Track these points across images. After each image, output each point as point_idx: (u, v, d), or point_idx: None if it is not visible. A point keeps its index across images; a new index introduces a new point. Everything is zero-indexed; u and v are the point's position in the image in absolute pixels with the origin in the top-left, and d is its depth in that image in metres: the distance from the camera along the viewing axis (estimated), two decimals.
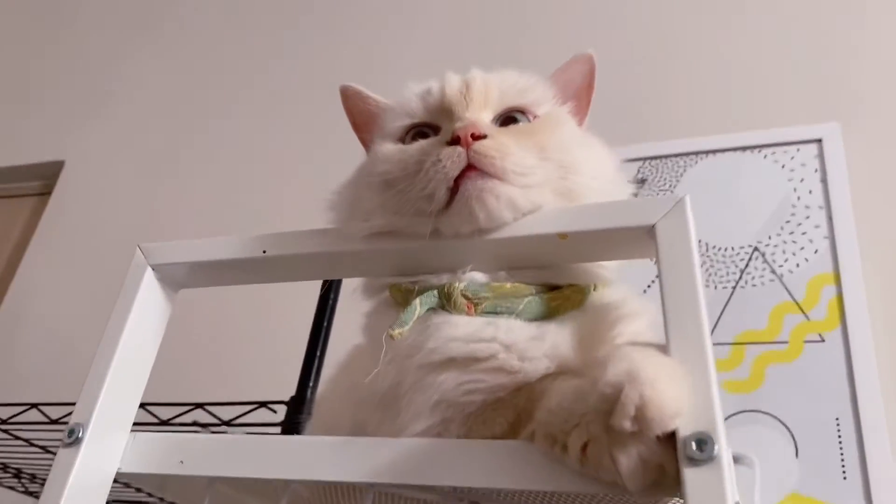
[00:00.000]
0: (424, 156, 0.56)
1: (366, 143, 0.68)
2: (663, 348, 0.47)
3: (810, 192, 1.46)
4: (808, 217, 1.44)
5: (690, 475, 0.40)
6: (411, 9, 2.06)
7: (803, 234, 1.43)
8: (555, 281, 0.58)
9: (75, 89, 2.35)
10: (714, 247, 1.48)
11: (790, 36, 1.60)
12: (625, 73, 1.59)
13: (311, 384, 0.99)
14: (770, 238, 1.45)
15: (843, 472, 1.22)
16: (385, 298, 0.62)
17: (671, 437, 0.41)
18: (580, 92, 0.66)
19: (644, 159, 1.61)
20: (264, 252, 0.62)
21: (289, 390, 1.00)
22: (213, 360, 1.50)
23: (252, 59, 2.18)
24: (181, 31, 2.34)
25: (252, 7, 2.28)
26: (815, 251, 1.41)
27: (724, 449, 0.40)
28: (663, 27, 1.70)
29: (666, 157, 1.60)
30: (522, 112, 0.61)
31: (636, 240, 0.53)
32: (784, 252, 1.43)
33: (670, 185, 1.57)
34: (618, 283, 0.61)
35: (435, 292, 0.56)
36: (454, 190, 0.54)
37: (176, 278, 0.67)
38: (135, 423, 0.60)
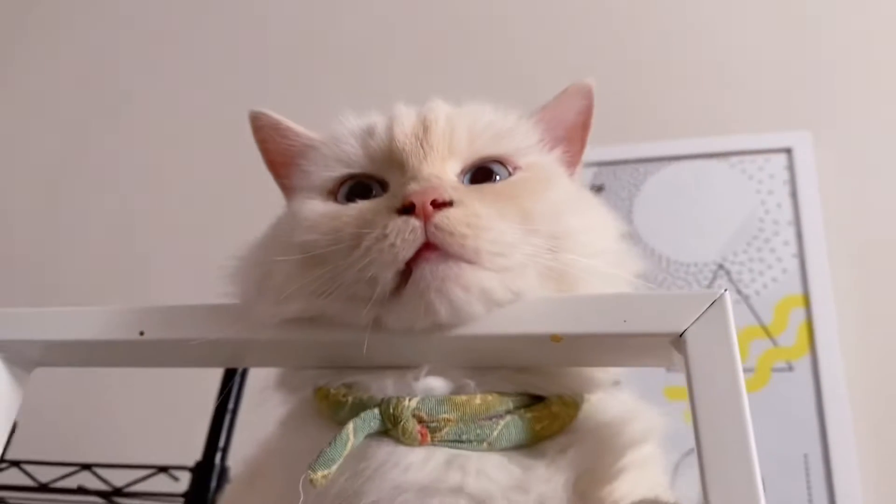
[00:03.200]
0: (364, 226, 0.40)
1: (285, 189, 0.51)
2: None
3: (779, 205, 1.36)
4: (776, 233, 1.34)
5: None
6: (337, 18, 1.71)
7: (771, 251, 1.33)
8: (537, 390, 0.43)
9: None
10: (675, 262, 1.37)
11: (760, 38, 1.49)
12: (581, 70, 1.45)
13: (221, 446, 0.83)
14: (736, 255, 1.35)
15: None
16: (308, 399, 0.46)
17: None
18: (573, 132, 0.51)
19: (601, 164, 1.48)
20: (142, 334, 0.47)
21: (194, 454, 0.84)
22: (105, 414, 1.27)
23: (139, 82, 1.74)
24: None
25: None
26: (784, 270, 1.31)
27: None
28: (625, 24, 1.56)
29: (625, 162, 1.48)
30: (500, 163, 0.45)
31: (656, 349, 0.39)
32: (751, 271, 1.33)
33: (629, 194, 1.44)
34: (615, 386, 0.46)
35: (376, 412, 0.40)
36: (406, 273, 0.39)
37: (28, 357, 0.52)
38: (9, 486, 0.47)
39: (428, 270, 0.38)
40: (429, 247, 0.38)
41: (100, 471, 0.87)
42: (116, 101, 1.72)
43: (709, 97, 1.46)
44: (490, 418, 0.41)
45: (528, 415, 0.42)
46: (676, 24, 1.54)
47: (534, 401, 0.43)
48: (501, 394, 0.42)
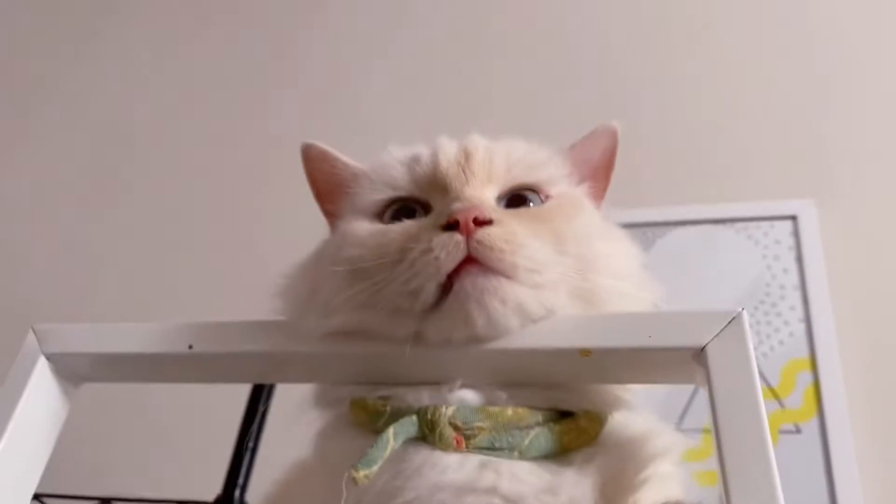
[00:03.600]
0: (411, 241, 0.43)
1: (330, 216, 0.54)
2: None
3: (785, 270, 1.39)
4: (783, 297, 1.36)
5: None
6: (389, 63, 1.78)
7: (778, 315, 1.35)
8: (567, 405, 0.45)
9: None
10: None
11: (767, 108, 1.54)
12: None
13: (240, 482, 0.84)
14: None
15: None
16: (344, 413, 0.49)
17: None
18: (598, 172, 0.55)
19: None
20: (190, 347, 0.49)
21: (213, 489, 0.85)
22: (126, 447, 1.28)
23: (175, 115, 1.83)
24: (81, 94, 1.95)
25: (190, 58, 1.93)
26: (791, 334, 1.33)
27: None
28: (636, 90, 1.63)
29: (634, 225, 1.51)
30: (533, 191, 0.49)
31: (679, 364, 0.41)
32: (758, 334, 1.35)
33: None
34: (636, 406, 0.49)
35: (414, 418, 0.43)
36: (447, 287, 0.42)
37: (77, 371, 0.54)
38: None
39: (469, 282, 0.41)
40: (470, 261, 0.42)
41: None
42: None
43: (716, 165, 1.51)
44: (521, 429, 0.43)
45: (557, 427, 0.44)
46: (686, 96, 1.60)
47: (562, 416, 0.45)
48: (532, 408, 0.45)
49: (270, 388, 0.84)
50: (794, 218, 1.42)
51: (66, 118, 1.92)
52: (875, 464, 1.18)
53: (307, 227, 0.54)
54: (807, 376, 1.28)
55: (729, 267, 1.42)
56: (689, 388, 1.25)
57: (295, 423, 0.52)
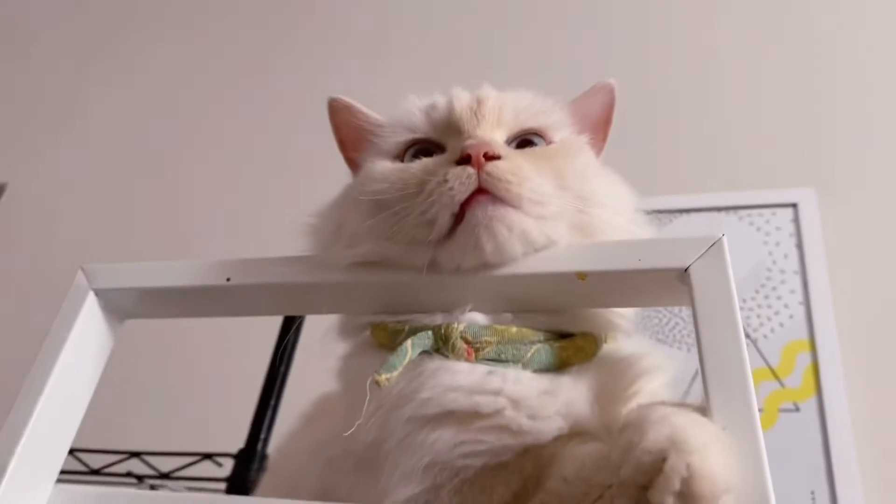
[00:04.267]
0: (428, 175, 0.49)
1: (352, 164, 0.60)
2: (702, 409, 0.40)
3: (786, 256, 1.43)
4: (783, 282, 1.41)
5: None
6: (404, 26, 1.96)
7: (778, 298, 1.39)
8: (565, 328, 0.51)
9: (20, 109, 2.22)
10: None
11: (769, 99, 1.59)
12: None
13: (262, 436, 0.89)
14: (745, 301, 1.41)
15: None
16: (366, 339, 0.54)
17: None
18: (597, 125, 0.60)
19: None
20: (228, 280, 0.54)
21: (237, 442, 0.90)
22: (153, 404, 1.34)
23: (215, 75, 2.05)
24: (138, 51, 2.20)
25: (219, 21, 2.15)
26: (791, 316, 1.37)
27: None
28: (641, 82, 1.67)
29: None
30: (538, 135, 0.55)
31: (665, 284, 0.46)
32: (759, 316, 1.39)
33: None
34: (633, 334, 0.54)
35: (429, 333, 0.48)
36: (459, 217, 0.47)
37: (122, 307, 0.59)
38: (63, 471, 0.52)
39: (479, 210, 0.46)
40: (481, 191, 0.47)
41: (148, 458, 0.93)
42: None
43: (720, 155, 1.55)
44: (525, 344, 0.48)
45: (557, 344, 0.49)
46: (692, 90, 1.65)
47: (561, 337, 0.50)
48: (534, 328, 0.50)
49: (294, 342, 0.89)
50: (794, 206, 1.47)
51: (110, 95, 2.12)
52: (872, 441, 1.22)
53: (332, 174, 0.59)
54: (806, 357, 1.32)
55: (732, 252, 1.46)
56: (689, 374, 1.30)
57: (320, 357, 0.57)
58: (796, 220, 1.45)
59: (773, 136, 1.55)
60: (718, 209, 1.52)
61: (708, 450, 0.34)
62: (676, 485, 0.33)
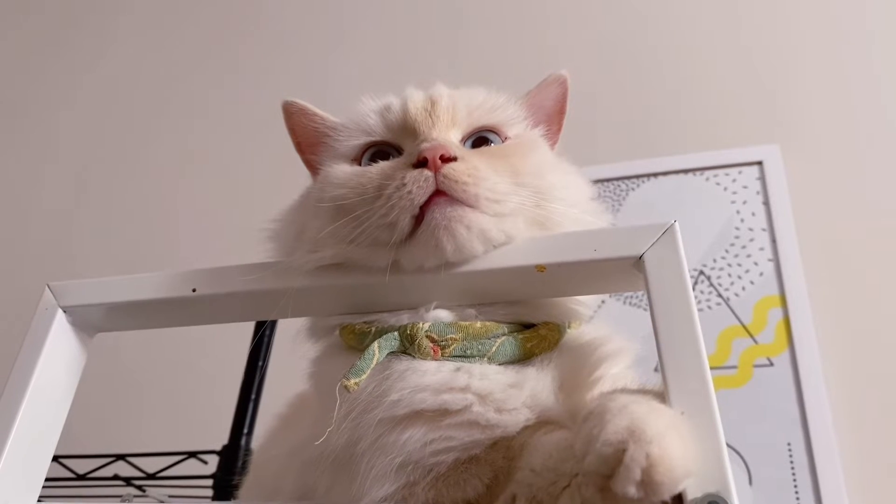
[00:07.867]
0: (386, 179, 0.49)
1: (311, 166, 0.60)
2: (661, 395, 0.41)
3: (753, 214, 1.45)
4: (752, 240, 1.43)
5: None
6: (348, 24, 1.93)
7: (748, 256, 1.41)
8: (528, 318, 0.52)
9: None
10: None
11: (729, 58, 1.59)
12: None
13: (245, 432, 0.90)
14: (715, 261, 1.43)
15: (797, 497, 1.19)
16: (335, 341, 0.55)
17: (678, 499, 0.36)
18: (551, 116, 0.61)
19: None
20: (194, 291, 0.55)
21: (221, 439, 0.91)
22: (136, 406, 1.35)
23: (178, 78, 2.02)
24: (97, 48, 2.16)
25: (178, 21, 2.11)
26: (761, 274, 1.39)
27: None
28: (603, 49, 1.68)
29: (607, 180, 1.57)
30: (493, 132, 0.55)
31: (622, 272, 0.47)
32: (730, 275, 1.41)
33: (613, 209, 1.54)
34: (593, 319, 0.55)
35: (395, 334, 0.49)
36: (419, 218, 0.48)
37: (92, 322, 0.60)
38: (48, 479, 0.53)
39: (438, 212, 0.47)
40: (439, 193, 0.48)
41: (133, 459, 0.93)
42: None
43: (683, 117, 1.56)
44: (489, 338, 0.50)
45: (521, 336, 0.50)
46: (653, 52, 1.65)
47: (525, 328, 0.52)
48: (498, 322, 0.51)
49: (271, 338, 0.89)
50: (759, 163, 1.48)
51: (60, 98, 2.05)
52: (844, 391, 1.25)
53: (292, 178, 0.60)
54: (777, 313, 1.35)
55: (700, 214, 1.48)
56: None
57: (293, 358, 0.57)
58: (762, 178, 1.47)
59: (734, 94, 1.56)
60: (685, 171, 1.53)
61: (665, 438, 0.35)
62: (637, 474, 0.34)
